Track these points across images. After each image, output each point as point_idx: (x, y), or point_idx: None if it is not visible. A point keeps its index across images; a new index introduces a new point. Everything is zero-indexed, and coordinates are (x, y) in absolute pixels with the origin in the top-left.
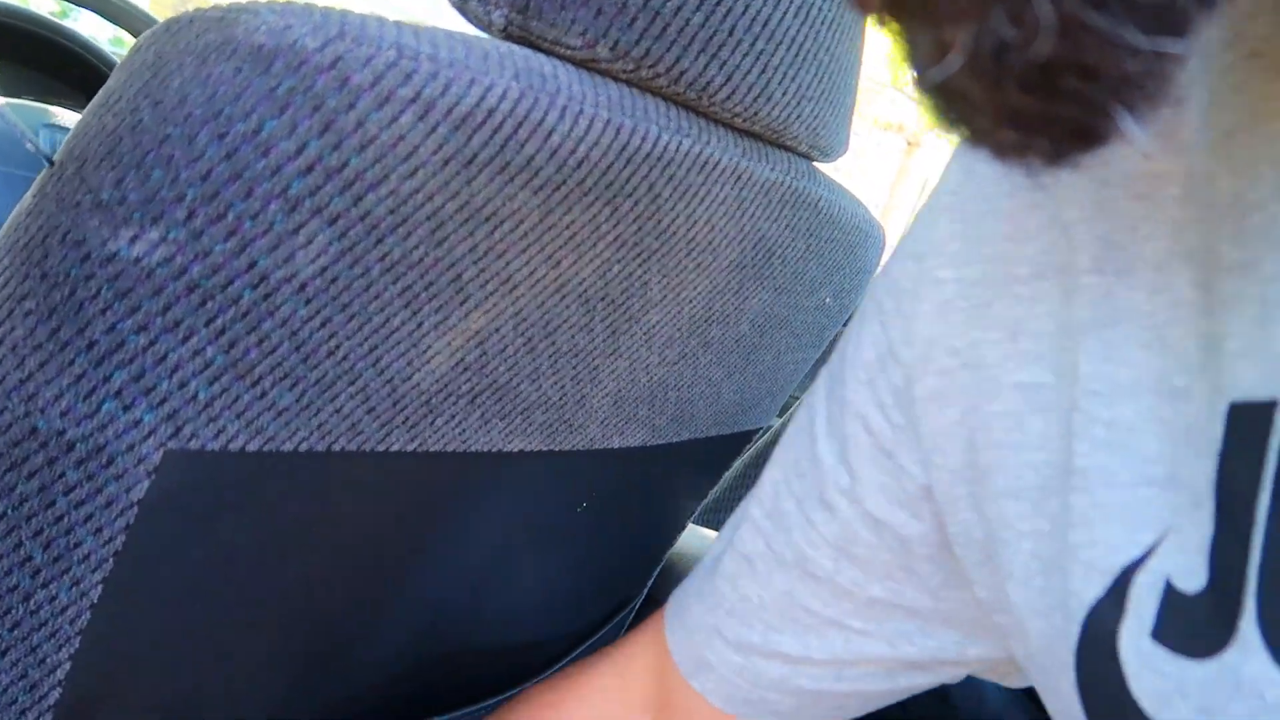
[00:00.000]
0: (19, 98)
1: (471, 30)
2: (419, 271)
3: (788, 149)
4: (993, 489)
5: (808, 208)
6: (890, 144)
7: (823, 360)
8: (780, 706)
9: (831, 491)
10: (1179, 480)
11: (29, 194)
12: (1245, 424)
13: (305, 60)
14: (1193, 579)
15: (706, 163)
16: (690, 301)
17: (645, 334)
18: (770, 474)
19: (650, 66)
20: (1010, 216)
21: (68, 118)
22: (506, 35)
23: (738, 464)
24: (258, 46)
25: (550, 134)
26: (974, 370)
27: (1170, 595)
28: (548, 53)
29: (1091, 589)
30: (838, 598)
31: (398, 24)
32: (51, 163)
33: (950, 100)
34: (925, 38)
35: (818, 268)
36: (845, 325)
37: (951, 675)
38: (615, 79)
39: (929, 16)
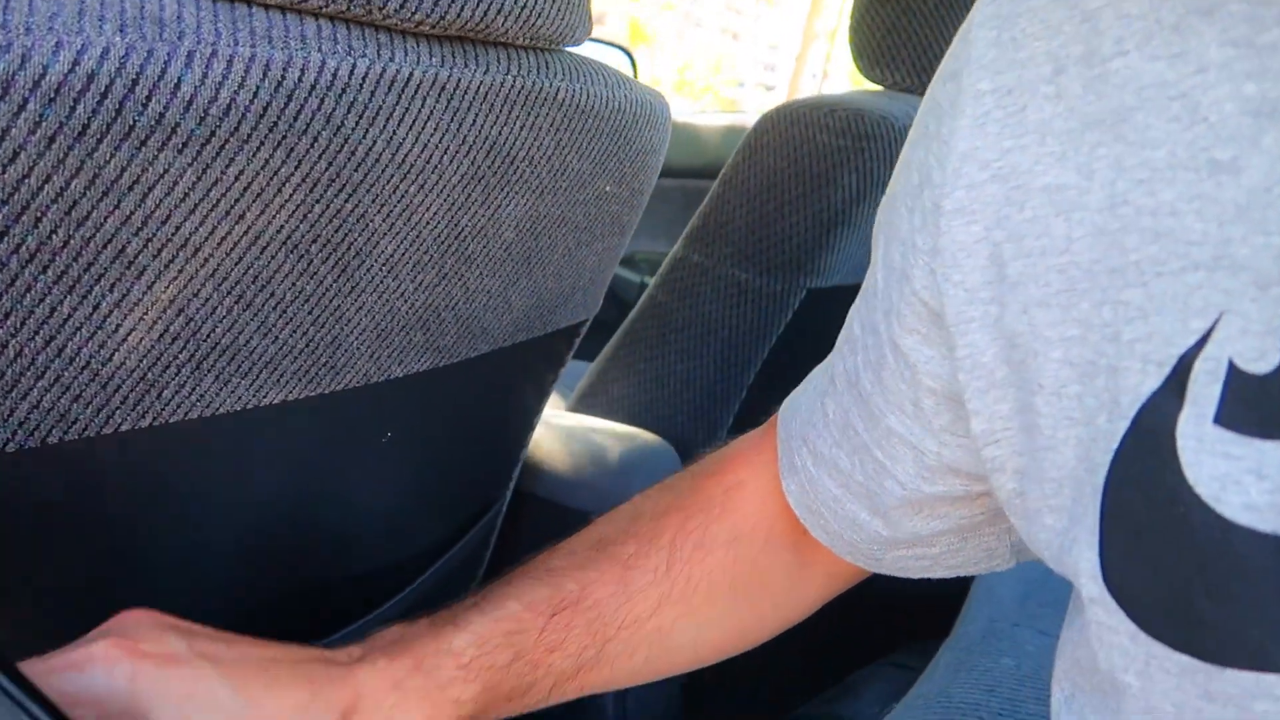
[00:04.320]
0: None
1: None
2: (69, 255)
3: (503, 45)
4: (1023, 299)
5: (545, 103)
6: None
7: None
8: (831, 527)
9: (878, 314)
10: (1233, 260)
11: None
12: None
13: None
14: (1261, 361)
15: (395, 80)
16: (428, 223)
17: (385, 265)
18: (856, 301)
19: None
20: (1037, 13)
21: None
22: None
23: (608, 347)
24: None
25: (178, 86)
26: (1003, 181)
27: (1235, 378)
28: None
29: (1148, 382)
30: (872, 422)
31: None
32: None
33: None
34: None
35: (580, 160)
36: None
37: (979, 536)
38: (264, 6)
39: None
